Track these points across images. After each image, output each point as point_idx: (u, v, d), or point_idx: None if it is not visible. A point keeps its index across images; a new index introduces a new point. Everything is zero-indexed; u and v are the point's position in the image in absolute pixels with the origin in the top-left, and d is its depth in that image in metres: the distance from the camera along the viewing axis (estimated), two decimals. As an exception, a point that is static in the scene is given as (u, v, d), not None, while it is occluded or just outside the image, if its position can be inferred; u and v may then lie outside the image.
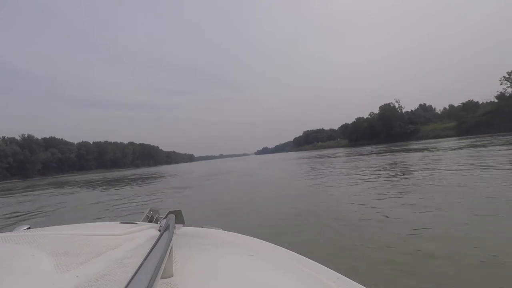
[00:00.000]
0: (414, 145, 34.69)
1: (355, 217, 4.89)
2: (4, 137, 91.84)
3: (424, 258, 2.99)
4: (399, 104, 71.17)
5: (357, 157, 23.01)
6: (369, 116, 78.12)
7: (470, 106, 56.44)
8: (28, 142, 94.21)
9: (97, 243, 0.66)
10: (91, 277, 0.46)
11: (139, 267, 0.37)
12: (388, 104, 72.09)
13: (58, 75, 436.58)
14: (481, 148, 16.76)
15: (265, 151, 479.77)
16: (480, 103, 57.23)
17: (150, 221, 1.23)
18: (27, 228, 0.91)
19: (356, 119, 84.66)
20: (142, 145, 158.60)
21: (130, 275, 0.34)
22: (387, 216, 4.75)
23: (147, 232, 0.88)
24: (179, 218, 1.09)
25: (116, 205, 9.21)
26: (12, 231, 0.86)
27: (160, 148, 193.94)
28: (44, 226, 0.86)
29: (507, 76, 49.30)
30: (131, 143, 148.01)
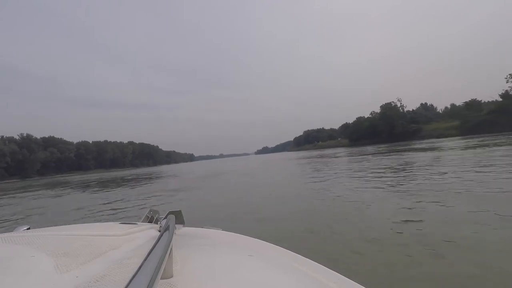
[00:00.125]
0: (417, 144, 33.74)
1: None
2: (3, 136, 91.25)
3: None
4: (401, 103, 70.30)
5: (362, 157, 22.10)
6: (371, 116, 77.13)
7: (473, 105, 55.60)
8: (27, 142, 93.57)
9: (97, 243, 0.66)
10: (91, 278, 0.46)
11: (139, 267, 0.37)
12: (390, 103, 71.10)
13: (58, 75, 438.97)
14: (495, 148, 15.85)
15: (265, 150, 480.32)
16: (482, 102, 56.51)
17: (150, 222, 1.23)
18: (27, 229, 0.91)
19: (357, 118, 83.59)
20: (141, 144, 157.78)
21: (130, 275, 0.35)
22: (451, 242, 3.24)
23: (147, 233, 0.87)
24: (179, 218, 1.07)
25: (100, 211, 8.39)
26: (12, 231, 0.85)
27: (159, 147, 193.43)
28: (44, 227, 0.85)
29: (512, 74, 48.46)
30: (130, 143, 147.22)
